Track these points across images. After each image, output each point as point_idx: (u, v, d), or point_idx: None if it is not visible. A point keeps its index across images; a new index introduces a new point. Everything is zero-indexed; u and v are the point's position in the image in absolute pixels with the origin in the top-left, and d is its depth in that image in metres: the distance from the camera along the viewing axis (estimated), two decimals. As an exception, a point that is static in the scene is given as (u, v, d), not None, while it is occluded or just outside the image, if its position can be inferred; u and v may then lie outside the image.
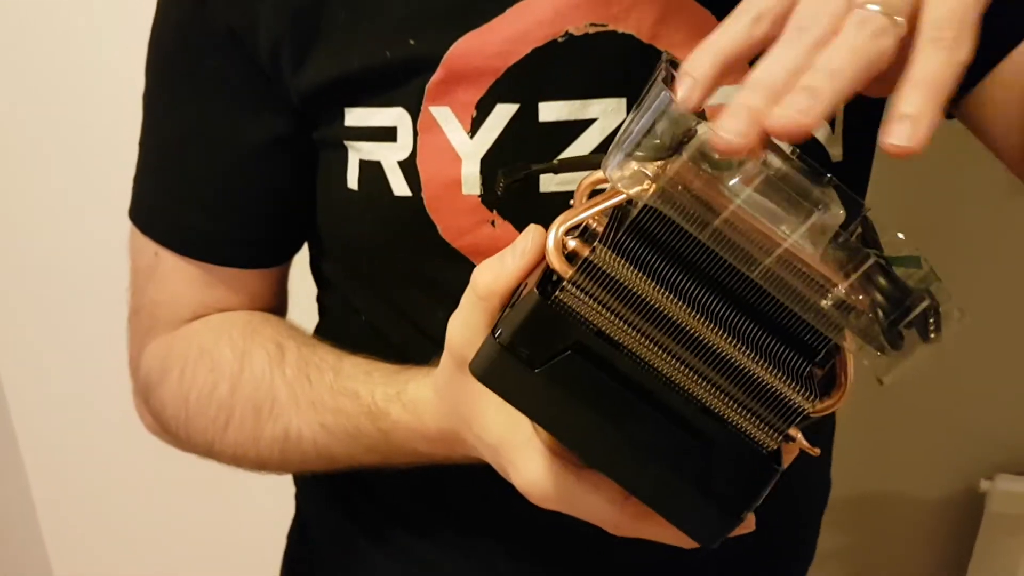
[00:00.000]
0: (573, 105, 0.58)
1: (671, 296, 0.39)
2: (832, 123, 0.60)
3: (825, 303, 0.38)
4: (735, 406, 0.40)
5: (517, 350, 0.41)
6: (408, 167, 0.59)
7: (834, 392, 0.41)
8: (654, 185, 0.39)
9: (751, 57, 0.39)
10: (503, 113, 0.58)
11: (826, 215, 0.38)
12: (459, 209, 0.59)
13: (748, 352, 0.39)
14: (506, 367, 0.41)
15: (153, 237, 0.67)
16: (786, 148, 0.40)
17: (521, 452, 0.47)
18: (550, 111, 0.58)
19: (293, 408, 0.61)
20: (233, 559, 1.41)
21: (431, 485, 0.69)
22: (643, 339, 0.40)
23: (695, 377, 0.40)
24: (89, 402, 1.36)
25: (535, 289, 0.40)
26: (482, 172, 0.58)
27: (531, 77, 0.57)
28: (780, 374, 0.39)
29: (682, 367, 0.40)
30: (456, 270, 0.61)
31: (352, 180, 0.61)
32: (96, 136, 1.17)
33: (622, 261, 0.39)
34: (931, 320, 0.38)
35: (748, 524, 0.42)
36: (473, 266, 0.60)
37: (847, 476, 1.34)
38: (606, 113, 0.58)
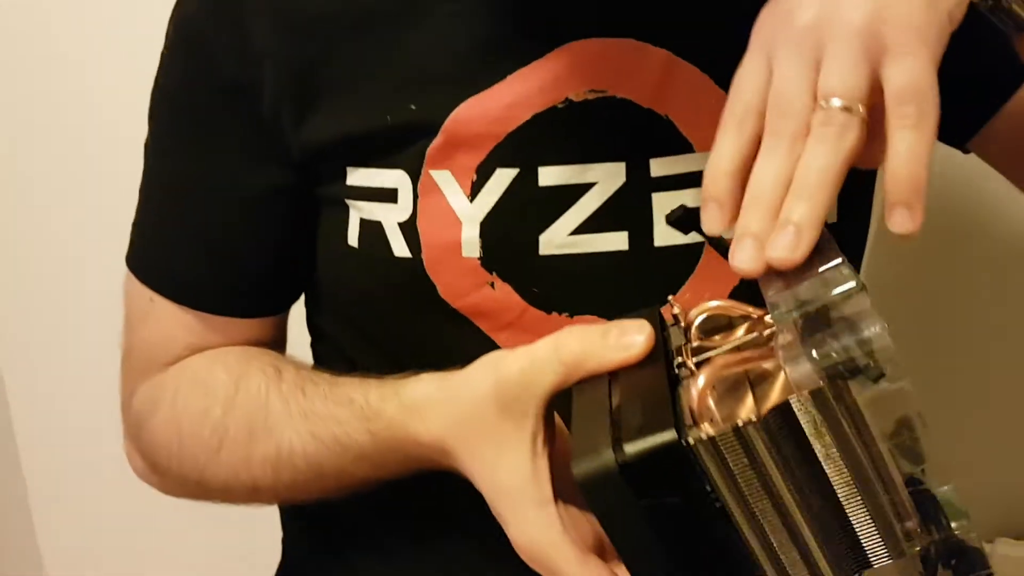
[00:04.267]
0: (573, 169, 0.58)
1: (787, 484, 0.41)
2: None
3: (900, 530, 0.41)
4: None
5: (631, 474, 0.41)
6: (408, 228, 0.60)
7: None
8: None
9: (753, 157, 0.43)
10: (503, 177, 0.58)
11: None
12: (459, 271, 0.60)
13: (818, 550, 0.41)
14: (612, 483, 0.41)
15: (148, 284, 0.67)
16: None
17: (529, 510, 0.47)
18: (549, 175, 0.58)
19: (286, 420, 0.60)
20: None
21: (407, 518, 0.69)
22: (746, 511, 0.41)
23: (770, 554, 0.42)
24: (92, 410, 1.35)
25: (674, 429, 0.41)
26: (481, 235, 0.59)
27: (531, 142, 0.58)
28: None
29: (764, 544, 0.42)
30: (455, 329, 0.62)
31: (352, 238, 0.62)
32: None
33: (765, 442, 0.40)
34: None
35: None
36: (472, 325, 0.61)
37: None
38: (605, 177, 0.58)
